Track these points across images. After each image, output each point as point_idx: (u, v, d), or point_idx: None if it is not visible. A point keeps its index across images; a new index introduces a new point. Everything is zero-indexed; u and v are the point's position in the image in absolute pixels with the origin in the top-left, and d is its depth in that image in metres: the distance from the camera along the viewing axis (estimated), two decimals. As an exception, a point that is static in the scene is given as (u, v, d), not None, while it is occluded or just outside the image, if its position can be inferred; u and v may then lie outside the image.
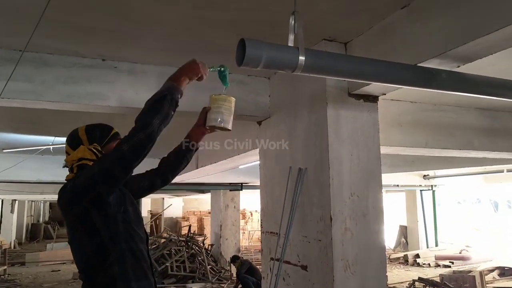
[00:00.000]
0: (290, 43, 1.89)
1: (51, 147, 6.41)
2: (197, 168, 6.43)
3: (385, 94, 2.99)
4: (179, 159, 2.11)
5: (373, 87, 2.77)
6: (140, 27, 2.66)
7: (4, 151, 7.15)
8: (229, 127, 1.98)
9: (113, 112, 3.26)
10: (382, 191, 2.94)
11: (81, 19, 2.58)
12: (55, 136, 6.14)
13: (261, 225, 3.76)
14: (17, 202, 17.61)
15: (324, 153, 2.81)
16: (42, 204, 24.40)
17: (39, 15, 2.22)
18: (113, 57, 3.20)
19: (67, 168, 1.86)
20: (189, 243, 10.76)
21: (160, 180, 2.14)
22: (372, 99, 2.99)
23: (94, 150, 1.82)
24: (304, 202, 3.02)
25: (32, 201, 20.93)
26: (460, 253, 12.37)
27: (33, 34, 2.44)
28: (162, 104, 1.69)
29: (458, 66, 2.31)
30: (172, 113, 1.72)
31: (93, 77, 3.13)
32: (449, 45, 2.10)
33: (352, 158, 2.84)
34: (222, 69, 2.00)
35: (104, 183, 1.65)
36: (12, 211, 17.03)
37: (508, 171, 9.33)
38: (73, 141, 1.87)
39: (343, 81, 2.88)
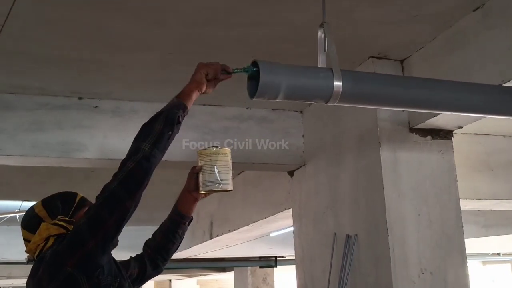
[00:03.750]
0: (321, 64, 1.91)
1: (17, 214, 6.54)
2: (211, 238, 6.39)
3: (461, 128, 2.95)
4: (169, 238, 2.10)
5: (444, 118, 2.73)
6: (125, 55, 2.77)
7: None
8: (230, 187, 1.96)
9: (93, 166, 3.33)
10: (470, 263, 2.83)
11: (50, 49, 2.70)
12: (23, 200, 6.29)
13: (298, 317, 3.66)
14: (-23, 291, 17.91)
15: (380, 213, 2.76)
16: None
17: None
18: (93, 94, 3.32)
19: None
20: None
21: (151, 267, 2.14)
22: (444, 135, 2.95)
23: (61, 223, 1.83)
24: (357, 283, 2.94)
25: (-3, 288, 21.22)
26: None
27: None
28: (153, 125, 1.74)
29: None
30: (170, 132, 1.75)
31: (66, 121, 3.24)
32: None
33: (420, 219, 2.77)
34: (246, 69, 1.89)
35: (93, 236, 1.64)
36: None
37: None
38: (31, 222, 1.86)
39: (400, 112, 2.86)
